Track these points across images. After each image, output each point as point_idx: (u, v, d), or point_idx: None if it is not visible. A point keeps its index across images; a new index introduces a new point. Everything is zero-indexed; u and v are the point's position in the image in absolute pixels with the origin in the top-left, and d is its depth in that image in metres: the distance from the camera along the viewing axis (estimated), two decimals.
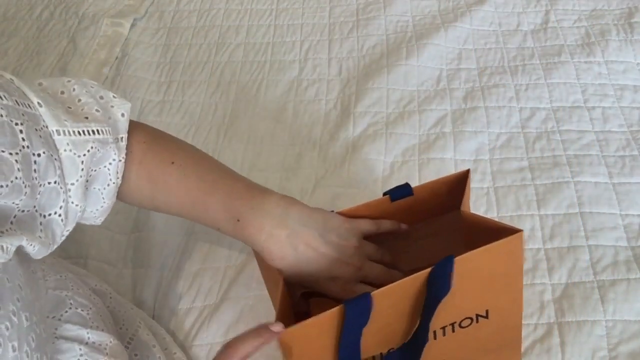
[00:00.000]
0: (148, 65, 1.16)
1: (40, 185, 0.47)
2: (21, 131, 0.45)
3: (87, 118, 0.54)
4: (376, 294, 0.54)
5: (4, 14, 1.32)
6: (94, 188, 0.57)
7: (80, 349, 0.55)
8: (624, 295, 0.76)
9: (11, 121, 0.45)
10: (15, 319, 0.42)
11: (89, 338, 0.57)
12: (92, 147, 0.53)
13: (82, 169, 0.52)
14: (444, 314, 0.57)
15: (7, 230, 0.43)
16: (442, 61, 1.11)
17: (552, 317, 0.75)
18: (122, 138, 0.58)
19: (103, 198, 0.58)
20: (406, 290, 0.56)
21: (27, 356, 0.43)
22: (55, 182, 0.49)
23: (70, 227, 0.54)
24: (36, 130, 0.48)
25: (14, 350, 0.41)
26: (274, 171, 0.96)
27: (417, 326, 0.58)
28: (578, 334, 0.73)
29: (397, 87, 1.06)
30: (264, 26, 1.23)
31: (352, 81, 1.10)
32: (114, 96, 0.59)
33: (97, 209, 0.59)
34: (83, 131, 0.53)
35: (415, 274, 0.55)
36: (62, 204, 0.50)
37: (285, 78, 1.12)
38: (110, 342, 0.59)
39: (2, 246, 0.41)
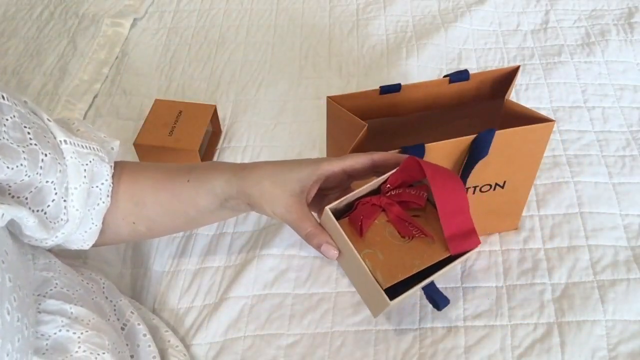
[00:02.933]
0: (148, 65, 1.16)
1: (39, 181, 0.55)
2: (29, 133, 0.54)
3: (86, 140, 0.62)
4: (429, 145, 0.67)
5: (4, 14, 1.32)
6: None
7: (62, 321, 0.57)
8: (624, 295, 0.76)
9: (22, 124, 0.53)
10: None
11: (71, 313, 0.59)
12: (92, 160, 0.61)
13: (85, 176, 0.59)
14: (472, 177, 0.71)
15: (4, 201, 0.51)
16: (442, 61, 1.11)
17: (552, 317, 0.75)
18: (112, 165, 0.65)
19: (92, 219, 0.63)
20: (453, 148, 0.69)
21: (8, 313, 0.46)
22: (52, 182, 0.56)
23: (69, 229, 0.59)
24: (44, 136, 0.56)
25: None
26: None
27: None
28: (578, 334, 0.73)
29: None
30: (264, 26, 1.23)
31: (352, 81, 1.10)
32: (104, 135, 0.67)
33: (85, 230, 0.63)
34: (85, 145, 0.60)
35: (462, 137, 0.68)
36: (50, 203, 0.56)
37: (285, 78, 1.12)
38: (93, 318, 0.60)
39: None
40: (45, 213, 0.56)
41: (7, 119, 0.52)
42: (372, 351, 0.74)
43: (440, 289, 0.79)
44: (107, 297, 0.69)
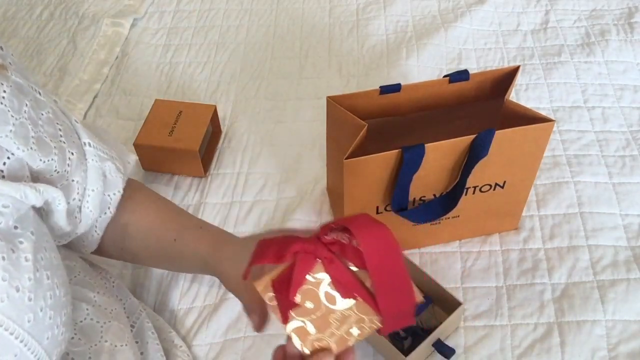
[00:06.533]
0: (148, 65, 1.16)
1: (66, 178, 0.55)
2: (60, 129, 0.55)
3: (107, 146, 0.63)
4: (429, 145, 0.68)
5: (4, 14, 1.32)
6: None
7: (87, 309, 0.58)
8: (624, 295, 0.76)
9: (54, 120, 0.55)
10: (47, 254, 0.48)
11: (95, 301, 0.60)
12: (109, 167, 0.61)
13: (102, 181, 0.60)
14: (472, 177, 0.72)
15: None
16: (442, 61, 1.11)
17: (552, 317, 0.75)
18: (125, 179, 0.65)
19: (96, 227, 0.62)
20: (452, 148, 0.70)
21: (57, 287, 0.48)
22: (76, 182, 0.57)
23: (81, 230, 0.60)
24: (71, 136, 0.57)
25: (47, 279, 0.47)
26: (274, 171, 0.96)
27: (456, 181, 0.73)
28: (578, 334, 0.73)
29: None
30: (264, 26, 1.23)
31: (352, 81, 1.10)
32: (124, 147, 0.68)
33: (87, 237, 0.63)
34: (105, 152, 0.61)
35: (462, 137, 0.69)
36: (70, 201, 0.56)
37: (285, 78, 1.12)
38: (115, 308, 0.61)
39: (39, 190, 0.49)
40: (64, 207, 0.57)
41: (42, 114, 0.53)
42: (372, 351, 0.74)
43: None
44: (118, 294, 0.70)
